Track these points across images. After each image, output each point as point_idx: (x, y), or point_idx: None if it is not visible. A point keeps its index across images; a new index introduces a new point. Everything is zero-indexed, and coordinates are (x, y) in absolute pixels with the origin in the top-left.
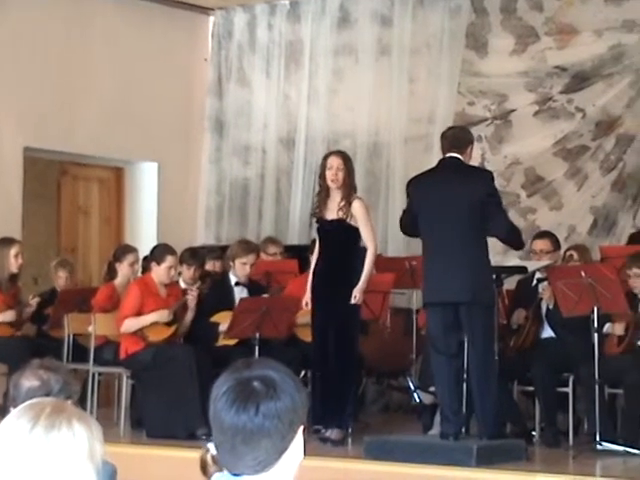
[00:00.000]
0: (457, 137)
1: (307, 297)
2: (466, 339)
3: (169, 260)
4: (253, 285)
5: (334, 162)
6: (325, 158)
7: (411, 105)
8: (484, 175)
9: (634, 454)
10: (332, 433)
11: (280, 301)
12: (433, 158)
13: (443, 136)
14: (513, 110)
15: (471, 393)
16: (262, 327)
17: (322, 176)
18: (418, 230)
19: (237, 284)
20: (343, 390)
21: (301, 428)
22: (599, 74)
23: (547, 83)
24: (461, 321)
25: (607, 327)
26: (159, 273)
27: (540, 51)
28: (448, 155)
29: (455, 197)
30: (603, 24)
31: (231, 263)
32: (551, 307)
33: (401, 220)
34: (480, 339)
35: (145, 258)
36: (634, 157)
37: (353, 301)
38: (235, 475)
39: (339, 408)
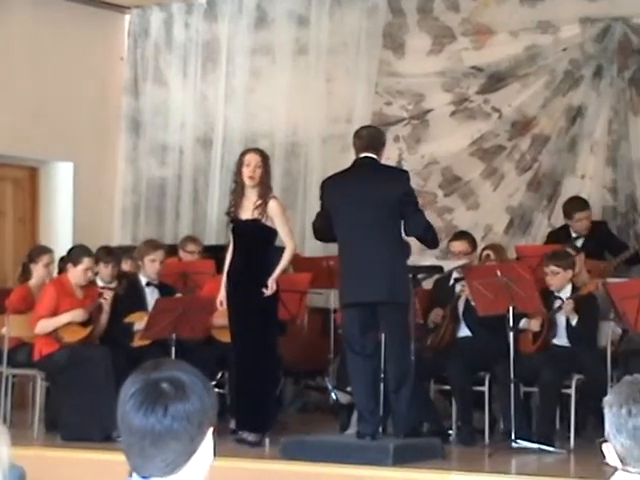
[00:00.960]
0: (373, 137)
1: (221, 296)
2: (383, 338)
3: (85, 262)
4: (164, 286)
5: (252, 159)
6: (243, 155)
7: (329, 105)
8: (401, 175)
9: (548, 451)
10: (249, 434)
11: (197, 302)
12: (351, 158)
13: (358, 136)
14: (430, 110)
15: (388, 392)
16: (179, 328)
17: (238, 173)
18: (331, 234)
19: (148, 284)
20: (262, 391)
21: (211, 430)
22: (515, 74)
23: (463, 83)
24: (378, 321)
25: (523, 322)
26: (75, 275)
27: (456, 51)
28: (363, 155)
29: (372, 197)
30: (518, 25)
31: (140, 263)
32: (473, 304)
33: (314, 225)
34: (397, 338)
35: (62, 259)
36: (549, 157)
37: (268, 292)
38: (144, 478)
39: (257, 409)
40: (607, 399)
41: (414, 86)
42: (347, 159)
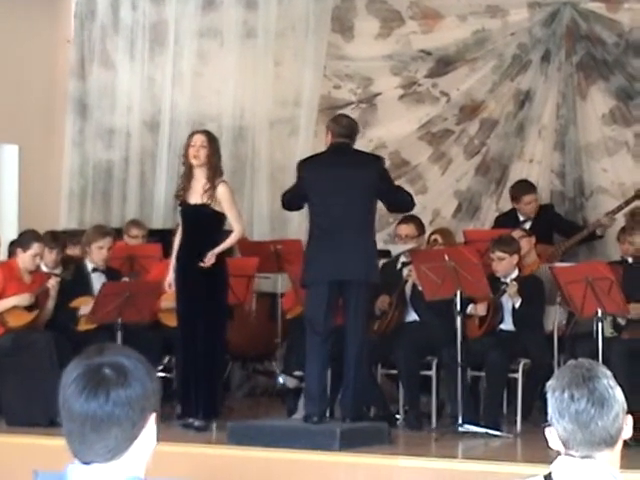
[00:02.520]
0: (353, 129)
1: (169, 279)
2: (348, 319)
3: (35, 247)
4: (111, 272)
5: (197, 139)
6: (190, 136)
7: (277, 88)
8: (376, 160)
9: (495, 436)
10: (196, 420)
11: (144, 285)
12: (299, 141)
13: (338, 123)
14: (378, 94)
15: (336, 375)
16: (125, 312)
17: (186, 155)
18: (300, 205)
19: (94, 270)
20: (209, 376)
21: (153, 415)
22: (463, 59)
23: (412, 67)
24: (346, 300)
25: (470, 308)
26: (24, 259)
27: (405, 35)
28: (340, 140)
29: (349, 180)
30: (467, 9)
31: (87, 249)
32: (420, 288)
33: (284, 196)
34: (362, 319)
35: (12, 243)
36: (497, 141)
37: (206, 264)
38: (86, 464)
39: (204, 394)
40: (550, 383)
41: (362, 70)
42: (295, 143)
